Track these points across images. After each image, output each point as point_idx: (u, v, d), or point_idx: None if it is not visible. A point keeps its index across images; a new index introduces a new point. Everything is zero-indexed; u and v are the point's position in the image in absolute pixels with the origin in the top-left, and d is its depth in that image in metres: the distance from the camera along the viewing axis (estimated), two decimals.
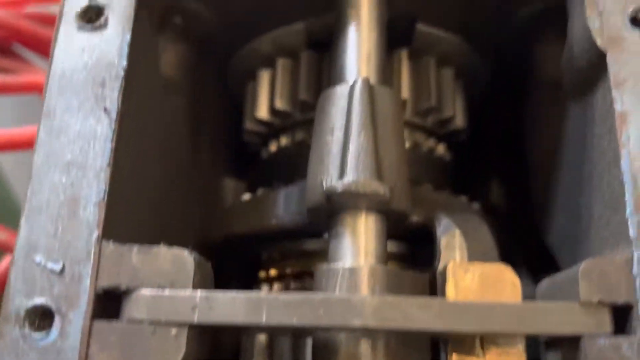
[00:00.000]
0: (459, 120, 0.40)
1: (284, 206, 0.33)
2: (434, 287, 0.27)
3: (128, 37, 0.27)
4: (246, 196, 0.37)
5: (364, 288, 0.25)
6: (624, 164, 0.24)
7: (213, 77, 0.42)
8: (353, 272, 0.26)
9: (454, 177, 0.40)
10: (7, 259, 0.52)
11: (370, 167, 0.27)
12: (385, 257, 0.28)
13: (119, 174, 0.26)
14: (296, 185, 0.33)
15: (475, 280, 0.26)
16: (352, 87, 0.30)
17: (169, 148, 0.35)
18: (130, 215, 0.27)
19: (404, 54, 0.38)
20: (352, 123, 0.28)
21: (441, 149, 0.39)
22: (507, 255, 0.32)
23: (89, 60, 0.27)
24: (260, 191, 0.36)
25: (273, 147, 0.40)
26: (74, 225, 0.24)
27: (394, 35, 0.38)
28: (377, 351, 0.25)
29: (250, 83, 0.41)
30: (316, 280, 0.27)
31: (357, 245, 0.27)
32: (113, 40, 0.27)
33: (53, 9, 0.72)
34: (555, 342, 0.25)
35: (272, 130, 0.40)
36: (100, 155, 0.25)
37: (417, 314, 0.22)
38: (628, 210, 0.24)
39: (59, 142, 0.26)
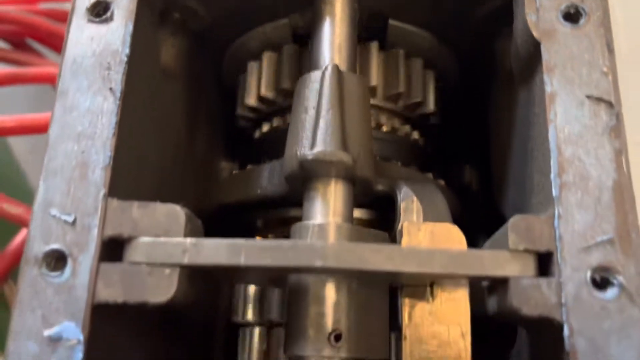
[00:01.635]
0: (429, 105, 0.44)
1: (268, 178, 0.37)
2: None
3: (130, 28, 0.31)
4: (236, 171, 0.41)
5: (330, 240, 0.30)
6: (551, 136, 0.29)
7: (209, 67, 0.46)
8: (321, 227, 0.30)
9: (424, 158, 0.44)
10: (22, 233, 0.57)
11: (337, 140, 0.32)
12: (351, 218, 0.33)
13: (122, 144, 0.30)
14: (278, 161, 0.37)
15: (426, 237, 0.31)
16: (323, 72, 0.34)
17: (167, 127, 0.39)
18: (131, 179, 0.31)
19: (374, 46, 0.42)
20: (323, 103, 0.33)
21: (412, 132, 0.43)
22: (474, 227, 0.36)
23: (97, 48, 0.31)
24: (248, 167, 0.41)
25: (263, 129, 0.44)
26: (84, 185, 0.29)
27: (369, 31, 0.42)
28: (340, 293, 0.30)
29: (241, 74, 0.45)
30: (291, 234, 0.32)
31: (326, 207, 0.32)
32: (117, 32, 0.31)
33: (64, 5, 0.77)
34: (492, 286, 0.29)
35: (260, 115, 0.44)
36: (107, 127, 0.30)
37: (370, 257, 0.27)
38: (552, 174, 0.28)
39: (72, 116, 0.30)
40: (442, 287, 0.30)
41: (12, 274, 0.58)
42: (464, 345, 0.30)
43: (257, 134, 0.44)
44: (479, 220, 0.41)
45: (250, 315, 0.39)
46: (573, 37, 0.30)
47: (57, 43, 0.72)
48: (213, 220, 0.38)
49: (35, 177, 0.76)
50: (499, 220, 0.40)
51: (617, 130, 0.28)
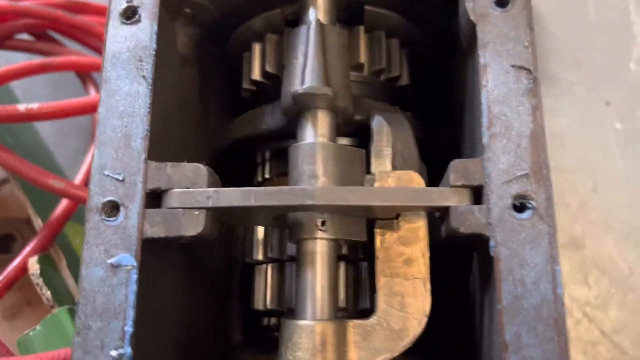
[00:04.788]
0: (404, 79, 0.52)
1: (270, 116, 0.47)
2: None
3: (155, 28, 0.40)
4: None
5: (319, 158, 0.39)
6: (483, 98, 0.37)
7: (215, 51, 0.55)
8: (311, 145, 0.40)
9: (394, 94, 0.51)
10: (62, 204, 0.65)
11: (321, 78, 0.41)
12: (334, 138, 0.42)
13: (154, 118, 0.39)
14: (276, 103, 0.46)
15: (393, 181, 0.40)
16: (309, 26, 0.43)
17: (185, 104, 0.48)
18: (163, 147, 0.40)
19: (361, 29, 0.51)
20: (309, 50, 0.42)
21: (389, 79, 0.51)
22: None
23: (130, 44, 0.40)
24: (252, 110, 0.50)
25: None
26: (129, 152, 0.38)
27: (350, 16, 0.50)
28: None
29: (245, 54, 0.54)
30: (289, 154, 0.41)
31: (315, 130, 0.42)
32: (145, 31, 0.40)
33: None
34: (441, 216, 0.38)
35: (264, 87, 0.52)
36: (143, 106, 0.38)
37: (348, 195, 0.36)
38: (483, 127, 0.37)
39: (114, 99, 0.39)
40: (406, 219, 0.39)
41: (58, 239, 0.67)
42: (423, 261, 0.39)
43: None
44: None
45: (261, 254, 0.48)
46: (502, 19, 0.39)
47: (75, 33, 0.80)
48: (228, 155, 0.47)
49: (61, 157, 0.86)
50: None
51: (534, 91, 0.37)
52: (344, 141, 0.46)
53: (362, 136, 0.44)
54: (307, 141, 0.41)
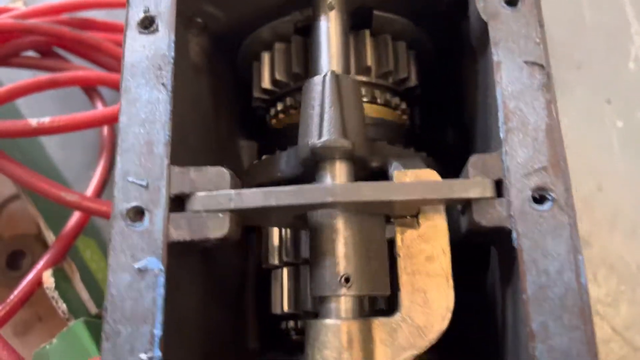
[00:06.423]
0: (413, 80, 0.53)
1: (285, 164, 0.47)
2: None
3: (173, 37, 0.41)
4: (256, 161, 0.51)
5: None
6: (498, 94, 0.38)
7: (225, 61, 0.56)
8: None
9: (408, 137, 0.53)
10: (74, 216, 0.66)
11: (338, 130, 0.41)
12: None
13: (174, 125, 0.39)
14: (292, 149, 0.47)
15: (412, 179, 0.40)
16: (324, 77, 0.44)
17: (199, 112, 0.48)
18: (184, 150, 0.41)
19: (367, 33, 0.52)
20: (325, 101, 0.42)
21: (397, 102, 0.52)
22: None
23: (148, 53, 0.41)
24: (266, 156, 0.50)
25: (278, 107, 0.53)
26: (152, 158, 0.38)
27: (359, 20, 0.51)
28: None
29: (255, 63, 0.54)
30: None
31: (334, 182, 0.41)
32: (163, 39, 0.41)
33: (84, 14, 0.85)
34: (462, 210, 0.39)
35: (274, 96, 0.53)
36: (164, 113, 0.39)
37: (368, 192, 0.36)
38: (500, 122, 0.37)
39: (135, 107, 0.40)
40: (425, 216, 0.40)
41: (69, 252, 0.67)
42: (445, 258, 0.39)
43: (272, 112, 0.54)
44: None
45: (277, 259, 0.49)
46: (513, 17, 0.39)
47: (81, 49, 0.81)
48: None
49: (66, 170, 0.86)
50: None
51: (548, 85, 0.38)
52: None
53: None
54: None
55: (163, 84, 0.40)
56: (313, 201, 0.36)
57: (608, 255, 0.78)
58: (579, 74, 0.85)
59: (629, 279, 0.77)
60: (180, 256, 0.38)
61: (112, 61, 0.78)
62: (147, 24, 0.41)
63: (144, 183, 0.38)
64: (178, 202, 0.38)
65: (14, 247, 0.79)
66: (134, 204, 0.37)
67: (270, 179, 0.48)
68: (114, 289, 0.36)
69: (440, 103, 0.59)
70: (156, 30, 0.41)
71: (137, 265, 0.36)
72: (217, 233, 0.36)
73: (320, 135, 0.42)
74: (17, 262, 0.79)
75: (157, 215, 0.37)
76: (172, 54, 0.40)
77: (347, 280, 0.39)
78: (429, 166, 0.44)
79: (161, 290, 0.35)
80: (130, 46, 0.41)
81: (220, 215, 0.37)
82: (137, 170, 0.38)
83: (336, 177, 0.42)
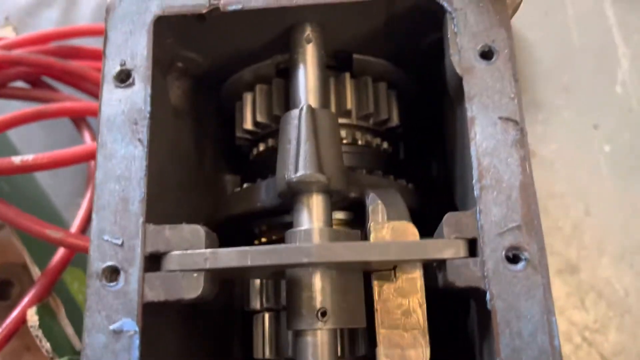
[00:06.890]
0: (394, 120, 0.53)
1: (265, 193, 0.47)
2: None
3: (149, 90, 0.41)
4: (238, 189, 0.51)
5: (315, 241, 0.39)
6: (472, 151, 0.38)
7: (208, 101, 0.56)
8: (307, 232, 0.40)
9: (386, 164, 0.53)
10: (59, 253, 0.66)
11: (314, 164, 0.41)
12: (330, 222, 0.42)
13: (151, 180, 0.39)
14: (271, 180, 0.47)
15: (388, 233, 0.40)
16: (300, 111, 0.44)
17: (180, 155, 0.48)
18: (161, 206, 0.41)
19: (347, 76, 0.52)
20: (301, 135, 0.42)
21: (378, 141, 0.52)
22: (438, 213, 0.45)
23: (125, 107, 0.41)
24: (247, 185, 0.50)
25: (260, 147, 0.53)
26: (127, 216, 0.38)
27: (339, 63, 0.52)
28: (325, 280, 0.39)
29: (237, 103, 0.55)
30: (285, 240, 0.41)
31: (310, 215, 0.42)
32: (139, 93, 0.41)
33: (73, 42, 0.85)
34: (438, 266, 0.39)
35: (256, 136, 0.53)
36: (139, 169, 0.39)
37: (343, 252, 0.36)
38: (474, 180, 0.37)
39: (111, 163, 0.40)
40: (402, 270, 0.40)
41: (55, 288, 0.67)
42: (421, 311, 0.39)
43: (254, 152, 0.54)
44: (445, 207, 0.51)
45: (258, 304, 0.49)
46: (487, 71, 0.40)
47: (69, 79, 0.81)
48: (223, 229, 0.47)
49: (57, 200, 0.85)
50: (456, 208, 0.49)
51: (521, 141, 0.38)
52: (339, 215, 0.47)
53: (356, 209, 0.45)
54: (304, 227, 0.42)
55: (139, 139, 0.40)
56: (289, 262, 0.36)
57: (597, 280, 0.78)
58: (567, 96, 0.85)
59: (618, 305, 0.77)
60: (157, 314, 0.38)
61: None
62: (124, 77, 0.41)
63: (119, 242, 0.38)
64: (153, 261, 0.38)
65: (2, 277, 0.79)
66: (109, 263, 0.37)
67: (251, 209, 0.48)
68: (89, 350, 0.36)
69: (424, 139, 0.59)
70: (132, 84, 0.41)
71: (112, 327, 0.36)
72: (191, 294, 0.36)
73: (296, 170, 0.42)
74: (5, 291, 0.79)
75: (132, 274, 0.37)
76: (149, 108, 0.40)
77: (323, 314, 0.39)
78: (407, 195, 0.45)
79: (136, 353, 0.35)
80: (107, 100, 0.41)
81: (195, 275, 0.37)
82: (112, 228, 0.38)
83: (313, 211, 0.42)
